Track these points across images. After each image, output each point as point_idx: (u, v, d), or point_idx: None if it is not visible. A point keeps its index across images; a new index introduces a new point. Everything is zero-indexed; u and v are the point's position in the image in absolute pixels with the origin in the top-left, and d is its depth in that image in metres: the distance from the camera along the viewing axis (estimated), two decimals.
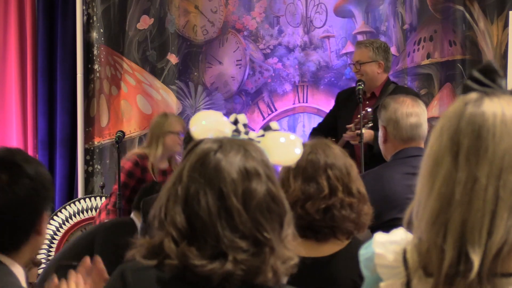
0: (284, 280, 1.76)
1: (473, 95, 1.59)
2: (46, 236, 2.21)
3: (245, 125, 1.85)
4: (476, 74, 1.60)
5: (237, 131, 1.84)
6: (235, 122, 1.85)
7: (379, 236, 1.65)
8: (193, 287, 1.72)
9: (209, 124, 1.85)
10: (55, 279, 2.19)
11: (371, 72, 5.05)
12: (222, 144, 1.78)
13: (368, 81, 5.05)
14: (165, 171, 4.98)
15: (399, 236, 1.63)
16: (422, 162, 1.61)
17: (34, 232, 2.12)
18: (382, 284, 1.60)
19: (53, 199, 2.04)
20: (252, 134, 1.84)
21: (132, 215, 4.41)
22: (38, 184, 2.10)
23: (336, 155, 2.63)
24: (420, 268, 1.56)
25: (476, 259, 1.50)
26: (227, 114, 5.65)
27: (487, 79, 1.59)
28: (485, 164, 1.53)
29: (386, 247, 1.62)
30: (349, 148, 4.57)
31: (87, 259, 2.30)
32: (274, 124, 1.87)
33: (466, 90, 1.61)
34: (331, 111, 5.37)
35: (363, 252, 1.67)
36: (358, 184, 2.64)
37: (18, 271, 2.11)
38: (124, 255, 1.91)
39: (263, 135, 1.84)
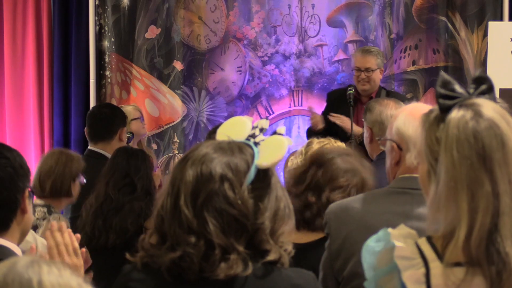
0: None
1: (465, 113, 1.61)
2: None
3: (261, 130, 1.83)
4: (442, 91, 1.65)
5: (252, 135, 1.83)
6: (256, 127, 1.84)
7: (393, 231, 1.67)
8: (158, 276, 1.76)
9: (226, 129, 1.85)
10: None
11: (377, 78, 5.18)
12: (207, 147, 1.79)
13: (374, 87, 5.14)
14: None
15: (407, 231, 1.67)
16: (447, 185, 1.60)
17: (19, 209, 2.11)
18: (405, 274, 1.60)
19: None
20: (259, 138, 1.83)
21: None
22: (15, 163, 2.10)
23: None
24: (438, 259, 1.59)
25: None
26: (228, 117, 5.92)
27: (449, 91, 1.64)
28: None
29: (405, 240, 1.64)
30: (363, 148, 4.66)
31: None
32: (280, 129, 1.84)
33: (444, 108, 1.64)
34: (324, 111, 5.39)
35: (375, 245, 1.67)
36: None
37: (17, 250, 2.11)
38: None
39: (263, 140, 1.82)
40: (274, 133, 1.83)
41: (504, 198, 1.57)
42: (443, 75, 1.68)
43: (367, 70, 5.15)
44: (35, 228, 3.72)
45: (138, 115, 5.15)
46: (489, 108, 1.61)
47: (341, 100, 5.17)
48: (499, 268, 1.56)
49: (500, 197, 1.56)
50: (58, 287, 1.28)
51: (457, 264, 1.59)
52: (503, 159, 1.57)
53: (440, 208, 1.62)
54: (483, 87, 1.66)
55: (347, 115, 5.05)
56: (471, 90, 1.66)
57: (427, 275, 1.59)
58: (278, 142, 1.80)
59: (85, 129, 4.58)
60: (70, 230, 2.22)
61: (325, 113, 5.38)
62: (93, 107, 5.22)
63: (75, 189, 3.97)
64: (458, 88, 1.65)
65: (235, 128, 1.85)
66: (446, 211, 1.61)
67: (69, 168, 3.94)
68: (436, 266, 1.59)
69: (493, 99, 1.66)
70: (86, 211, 3.94)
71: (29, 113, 6.16)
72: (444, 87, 1.65)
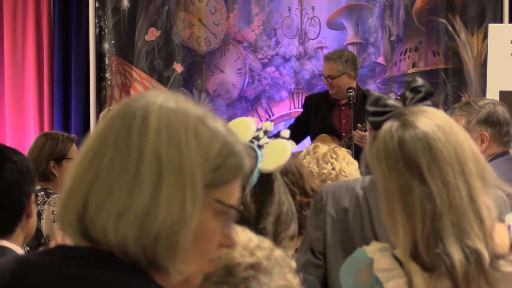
0: None
1: (392, 124, 1.63)
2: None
3: (265, 132, 1.79)
4: (371, 108, 1.64)
5: (256, 138, 1.79)
6: (260, 129, 1.80)
7: (368, 247, 1.68)
8: None
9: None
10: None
11: (342, 84, 5.12)
12: None
13: (340, 92, 5.12)
14: None
15: (382, 245, 1.68)
16: (384, 196, 1.62)
17: (25, 213, 2.09)
18: (388, 285, 1.61)
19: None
20: (263, 141, 1.78)
21: None
22: (22, 167, 2.08)
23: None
24: (416, 267, 1.59)
25: (482, 248, 1.56)
26: (228, 119, 5.90)
27: (381, 106, 1.64)
28: (447, 166, 1.58)
29: (381, 253, 1.64)
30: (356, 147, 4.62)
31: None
32: (284, 132, 1.80)
33: (375, 125, 1.63)
34: (300, 115, 5.45)
35: (352, 264, 1.68)
36: (311, 182, 2.59)
37: (21, 252, 2.09)
38: None
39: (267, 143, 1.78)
40: (278, 135, 1.79)
41: (439, 199, 1.57)
42: (373, 93, 1.67)
43: (329, 77, 5.17)
44: (39, 214, 3.70)
45: None
46: (417, 114, 1.62)
47: (319, 103, 5.23)
48: (449, 269, 1.56)
49: (434, 200, 1.57)
50: None
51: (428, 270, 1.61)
52: (432, 161, 1.57)
53: (386, 223, 1.63)
54: (420, 95, 1.66)
55: (325, 118, 5.13)
56: (407, 101, 1.66)
57: (409, 283, 1.60)
58: (281, 146, 1.76)
59: None
60: None
61: (301, 117, 5.44)
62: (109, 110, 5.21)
63: (60, 171, 3.86)
64: (390, 102, 1.64)
65: (239, 130, 1.77)
66: (389, 225, 1.62)
67: (46, 151, 3.84)
68: (416, 273, 1.60)
69: (433, 104, 1.66)
70: None
71: (29, 115, 6.17)
72: (375, 104, 1.64)
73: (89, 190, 1.17)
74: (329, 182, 3.02)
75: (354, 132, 4.89)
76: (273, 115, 6.30)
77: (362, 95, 5.05)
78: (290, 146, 1.77)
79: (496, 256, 1.59)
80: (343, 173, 3.07)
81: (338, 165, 3.08)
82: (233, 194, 1.26)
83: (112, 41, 6.20)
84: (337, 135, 5.14)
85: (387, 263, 1.62)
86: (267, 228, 1.73)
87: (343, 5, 6.25)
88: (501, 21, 6.04)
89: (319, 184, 2.76)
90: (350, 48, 6.23)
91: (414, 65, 6.21)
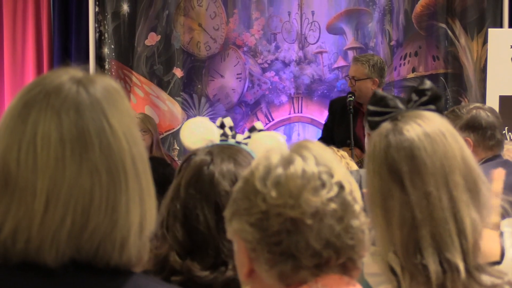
0: None
1: (386, 126, 1.62)
2: None
3: (231, 128, 1.80)
4: (372, 108, 1.64)
5: (224, 135, 1.80)
6: (222, 126, 1.81)
7: None
8: None
9: (197, 133, 1.81)
10: None
11: (365, 88, 5.04)
12: (213, 155, 1.73)
13: (362, 96, 5.03)
14: None
15: (373, 248, 1.63)
16: (368, 199, 1.61)
17: None
18: None
19: None
20: (239, 137, 1.80)
21: None
22: None
23: None
24: (407, 273, 1.59)
25: (460, 262, 1.54)
26: None
27: (382, 107, 1.63)
28: (430, 177, 1.56)
29: (372, 257, 1.63)
30: None
31: None
32: (258, 124, 1.81)
33: (373, 125, 1.64)
34: (327, 122, 5.35)
35: None
36: None
37: None
38: None
39: (249, 137, 1.80)
40: (254, 129, 1.79)
41: (418, 209, 1.55)
42: (377, 92, 1.66)
43: (353, 78, 5.10)
44: None
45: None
46: (409, 121, 1.60)
47: (343, 108, 5.10)
48: (425, 280, 1.56)
49: (413, 209, 1.56)
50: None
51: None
52: (414, 171, 1.56)
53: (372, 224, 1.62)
54: (424, 98, 1.65)
55: (348, 127, 4.98)
56: (411, 103, 1.66)
57: None
58: (273, 137, 1.78)
59: None
60: None
61: (327, 123, 5.35)
62: None
63: None
64: (392, 103, 1.64)
65: (201, 132, 1.81)
66: (373, 227, 1.61)
67: None
68: (407, 279, 1.59)
69: (437, 110, 1.65)
70: None
71: None
72: (376, 104, 1.64)
73: (84, 217, 1.08)
74: None
75: None
76: (273, 119, 6.29)
77: None
78: (281, 137, 1.78)
79: (477, 269, 1.57)
80: None
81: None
82: None
83: (112, 46, 6.20)
84: (360, 147, 4.96)
85: (377, 268, 1.62)
86: None
87: (343, 9, 6.24)
88: (501, 25, 6.02)
89: None
90: (350, 53, 6.22)
91: (414, 70, 6.20)
